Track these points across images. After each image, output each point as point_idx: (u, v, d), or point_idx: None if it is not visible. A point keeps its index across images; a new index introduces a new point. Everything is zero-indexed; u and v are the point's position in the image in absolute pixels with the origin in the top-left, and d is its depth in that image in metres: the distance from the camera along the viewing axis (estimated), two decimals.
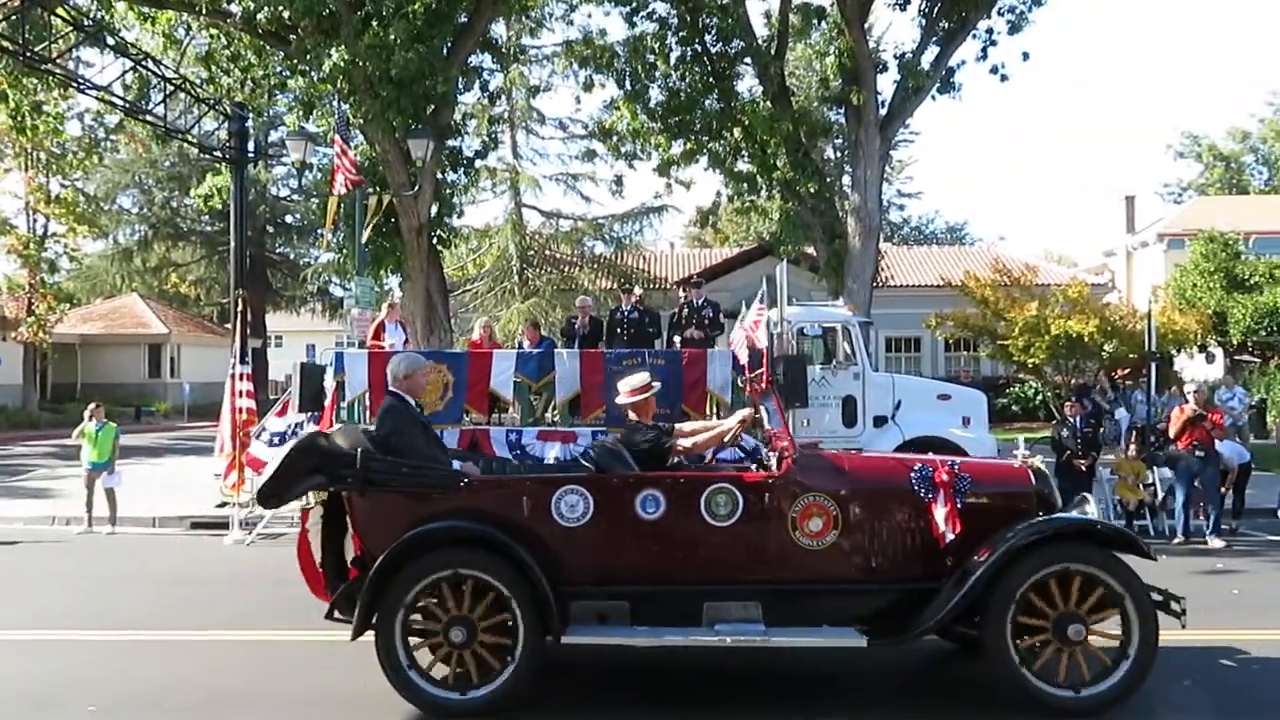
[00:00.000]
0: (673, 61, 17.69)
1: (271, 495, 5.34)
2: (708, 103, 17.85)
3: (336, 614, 5.38)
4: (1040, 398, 24.83)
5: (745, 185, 18.35)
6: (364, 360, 10.86)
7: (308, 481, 5.29)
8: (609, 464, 5.59)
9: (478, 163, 18.70)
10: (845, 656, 5.76)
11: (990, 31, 17.13)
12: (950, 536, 5.21)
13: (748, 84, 18.64)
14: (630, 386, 5.97)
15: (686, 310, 12.21)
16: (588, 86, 18.84)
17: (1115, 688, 5.00)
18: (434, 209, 16.04)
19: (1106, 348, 21.62)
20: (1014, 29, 17.01)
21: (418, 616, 5.19)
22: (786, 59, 19.03)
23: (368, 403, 10.93)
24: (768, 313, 9.38)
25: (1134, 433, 13.03)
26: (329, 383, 10.84)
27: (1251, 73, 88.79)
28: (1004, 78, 17.62)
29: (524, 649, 5.08)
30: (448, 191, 16.79)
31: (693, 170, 19.45)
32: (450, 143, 16.67)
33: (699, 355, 10.69)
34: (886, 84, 17.37)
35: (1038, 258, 41.15)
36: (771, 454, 5.82)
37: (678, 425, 6.24)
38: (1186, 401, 11.72)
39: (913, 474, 5.43)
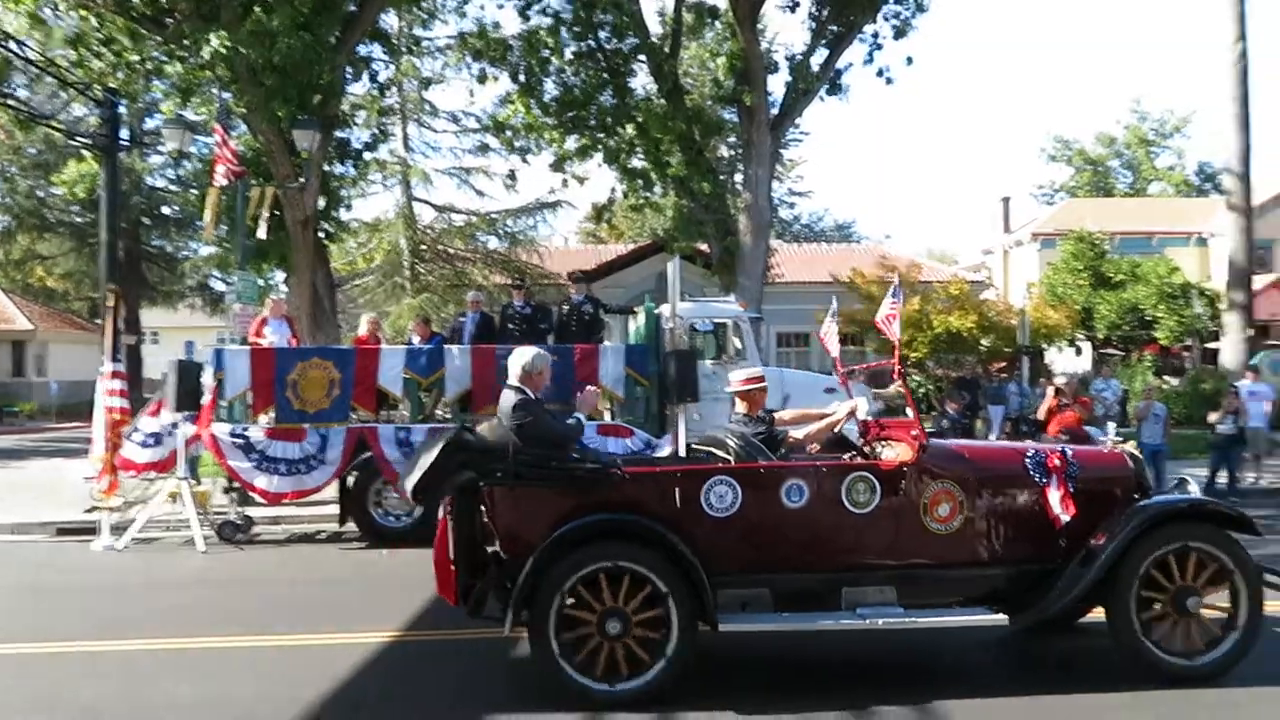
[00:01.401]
0: (567, 56, 17.67)
1: (424, 491, 5.26)
2: (602, 99, 17.89)
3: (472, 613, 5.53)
4: (923, 391, 25.72)
5: (639, 182, 18.47)
6: (245, 357, 10.53)
7: (458, 477, 5.27)
8: (751, 455, 5.65)
9: (367, 155, 18.29)
10: (941, 636, 6.24)
11: (876, 35, 17.67)
12: (1065, 519, 5.52)
13: (642, 81, 18.79)
14: (744, 376, 6.16)
15: (567, 307, 12.21)
16: (481, 79, 18.63)
17: (1227, 655, 5.44)
18: (321, 202, 15.64)
19: (984, 342, 22.56)
20: (899, 34, 17.57)
21: (570, 609, 5.16)
22: (680, 58, 19.22)
23: (249, 400, 10.62)
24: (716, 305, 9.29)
25: (1008, 423, 13.67)
26: (207, 380, 10.46)
27: (1118, 80, 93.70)
28: (889, 81, 18.19)
29: (678, 640, 5.16)
30: (335, 184, 16.39)
31: (587, 166, 19.47)
32: (338, 134, 16.28)
33: (591, 351, 10.71)
34: (777, 85, 17.73)
35: (921, 256, 42.61)
36: (879, 445, 6.07)
37: (776, 414, 6.27)
38: (1058, 392, 12.34)
39: (1027, 460, 5.74)
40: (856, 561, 5.53)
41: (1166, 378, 25.94)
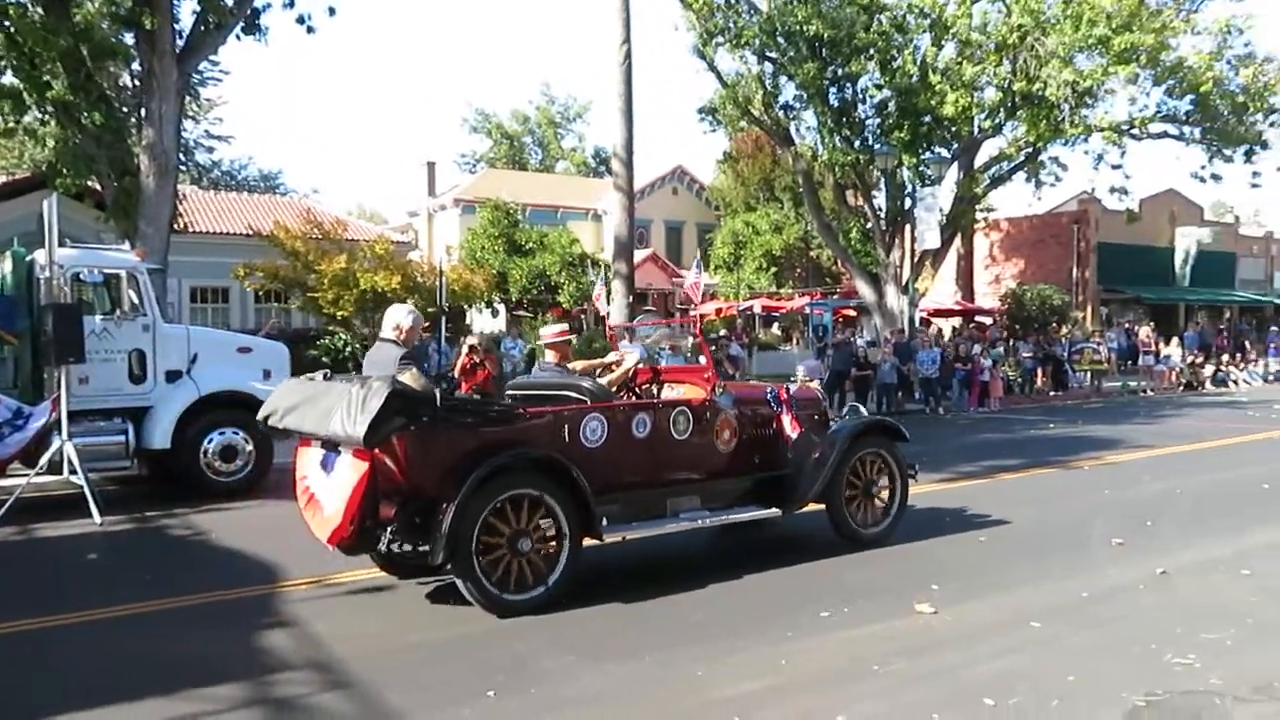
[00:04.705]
0: None
1: (375, 438, 5.46)
2: None
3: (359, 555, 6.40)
4: (350, 349, 25.63)
5: (11, 103, 15.49)
6: None
7: (394, 423, 5.54)
8: (604, 395, 6.79)
9: None
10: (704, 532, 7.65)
11: None
12: (794, 437, 7.53)
13: None
14: (554, 330, 7.42)
15: None
16: None
17: (890, 525, 7.79)
18: None
19: (409, 302, 23.10)
20: None
21: (487, 533, 5.86)
22: None
23: None
24: None
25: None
26: None
27: (534, 60, 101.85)
28: (311, 29, 17.49)
29: (570, 552, 6.16)
30: None
31: None
32: None
33: None
34: (188, 14, 16.11)
35: (351, 213, 42.29)
36: (655, 387, 7.64)
37: (570, 366, 7.32)
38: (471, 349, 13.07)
39: (768, 394, 7.70)
40: (677, 477, 6.97)
41: None
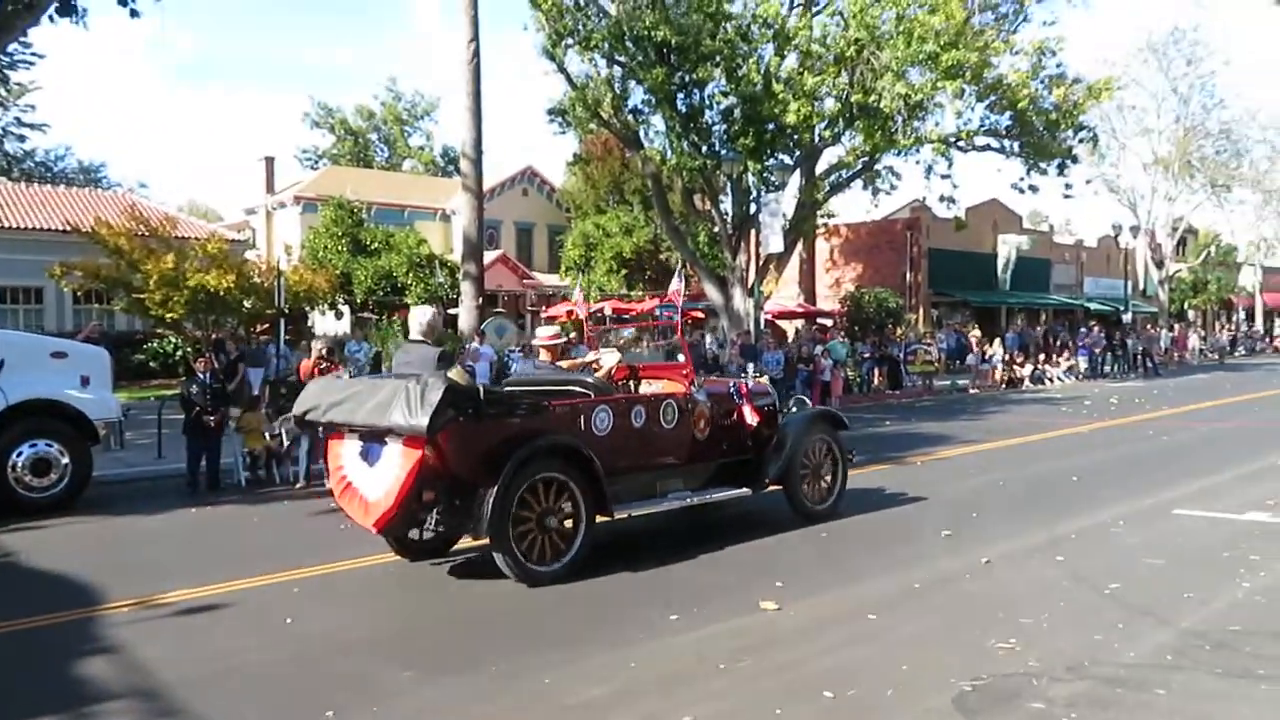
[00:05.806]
0: None
1: (435, 428, 6.00)
2: None
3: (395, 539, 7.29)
4: (180, 353, 24.28)
5: None
6: None
7: (448, 414, 6.10)
8: (607, 389, 7.59)
9: None
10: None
11: None
12: (754, 426, 8.42)
13: None
14: (548, 334, 8.45)
15: None
16: None
17: (835, 502, 8.90)
18: None
19: (246, 304, 22.05)
20: None
21: (520, 511, 6.54)
22: None
23: None
24: None
25: (266, 385, 13.60)
26: None
27: (381, 56, 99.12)
28: (135, 13, 16.42)
29: (586, 527, 6.90)
30: None
31: None
32: None
33: None
34: None
35: (182, 209, 40.09)
36: (633, 383, 8.41)
37: (557, 365, 8.18)
38: (314, 355, 12.62)
39: (730, 388, 8.58)
40: (665, 462, 7.85)
41: None
